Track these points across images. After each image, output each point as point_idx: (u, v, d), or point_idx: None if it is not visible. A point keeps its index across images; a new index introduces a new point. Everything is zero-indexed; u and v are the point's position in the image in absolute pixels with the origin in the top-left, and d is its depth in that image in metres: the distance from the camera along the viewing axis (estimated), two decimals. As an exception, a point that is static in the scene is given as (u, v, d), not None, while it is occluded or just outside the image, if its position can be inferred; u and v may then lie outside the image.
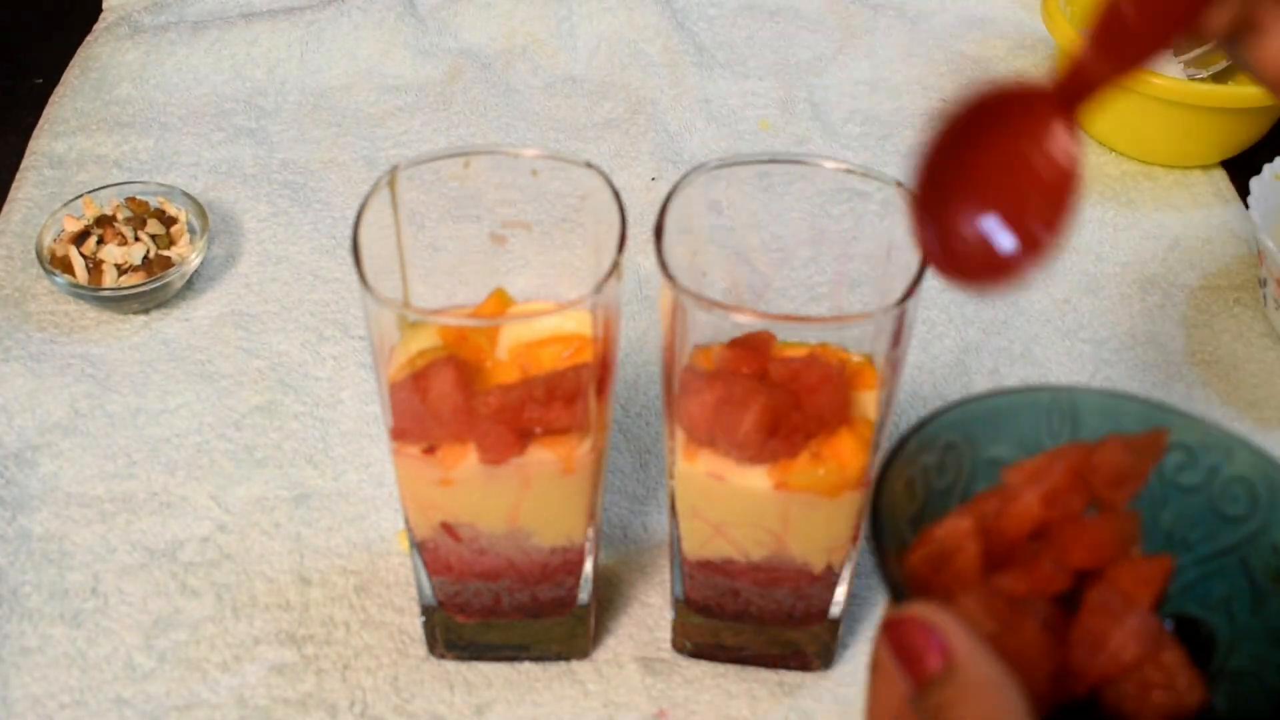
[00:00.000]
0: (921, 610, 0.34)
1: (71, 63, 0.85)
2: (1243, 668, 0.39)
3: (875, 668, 0.36)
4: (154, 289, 0.67)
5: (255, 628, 0.55)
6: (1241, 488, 0.40)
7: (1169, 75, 0.77)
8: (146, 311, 0.69)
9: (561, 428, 0.45)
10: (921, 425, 0.38)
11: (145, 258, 0.67)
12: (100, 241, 0.68)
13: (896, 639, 0.33)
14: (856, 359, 0.47)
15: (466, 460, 0.45)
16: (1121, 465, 0.39)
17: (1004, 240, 0.36)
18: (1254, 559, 0.39)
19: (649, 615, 0.56)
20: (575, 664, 0.54)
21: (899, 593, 0.36)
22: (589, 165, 0.46)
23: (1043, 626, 0.37)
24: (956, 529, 0.37)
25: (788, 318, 0.44)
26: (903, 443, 0.38)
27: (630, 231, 0.44)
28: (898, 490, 0.38)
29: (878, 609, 0.56)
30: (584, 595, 0.52)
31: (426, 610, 0.52)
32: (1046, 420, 0.41)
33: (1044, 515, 0.38)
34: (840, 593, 0.50)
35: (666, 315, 0.44)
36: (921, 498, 0.39)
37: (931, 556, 0.37)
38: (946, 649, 0.33)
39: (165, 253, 0.68)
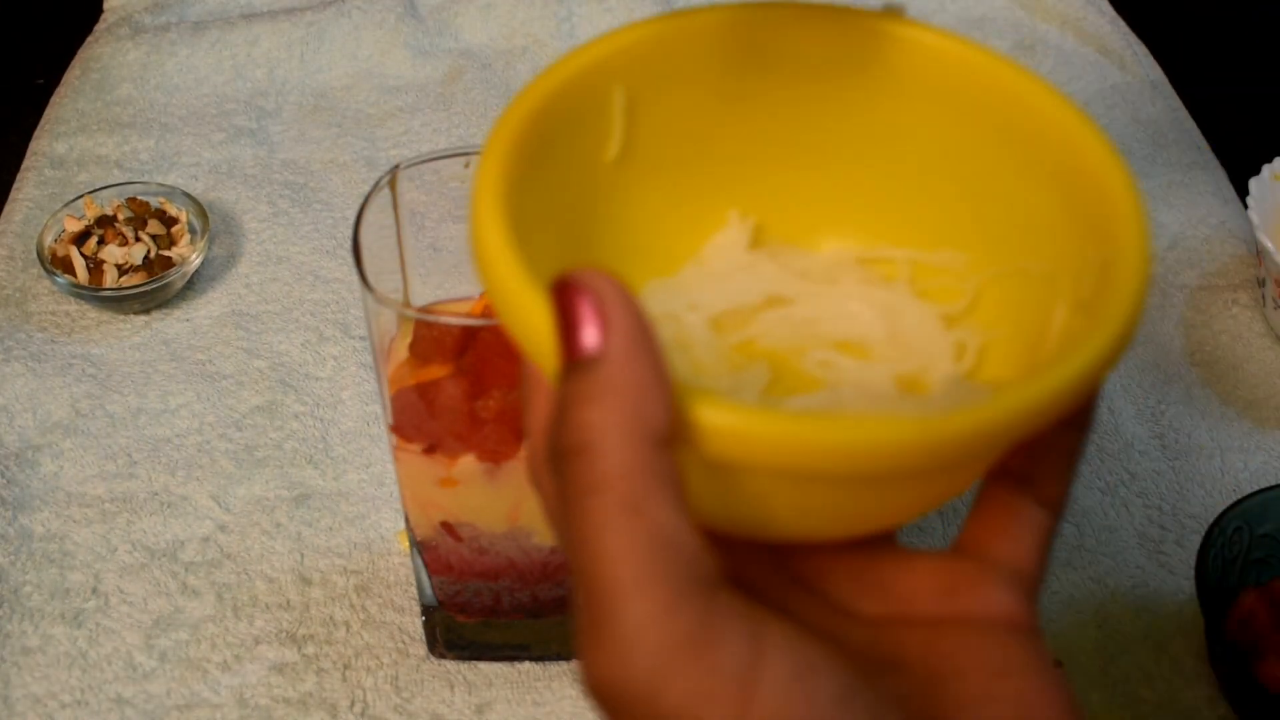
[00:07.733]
0: (591, 276, 0.26)
1: (72, 63, 0.85)
2: None
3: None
4: (155, 289, 0.67)
5: (256, 627, 0.55)
6: None
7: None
8: (147, 311, 0.69)
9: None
10: (1222, 515, 0.54)
11: (146, 258, 0.67)
12: (101, 242, 0.68)
13: (558, 303, 0.26)
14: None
15: (467, 459, 0.45)
16: None
17: None
18: None
19: (649, 615, 0.56)
20: (575, 664, 0.54)
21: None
22: (589, 165, 0.46)
23: None
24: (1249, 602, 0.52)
25: (787, 318, 0.44)
26: (1218, 528, 0.53)
27: (630, 232, 0.44)
28: (1207, 561, 0.52)
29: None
30: (584, 595, 0.52)
31: (427, 610, 0.53)
32: None
33: None
34: (840, 592, 0.50)
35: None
36: (1220, 566, 0.53)
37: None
38: (602, 331, 0.26)
39: (166, 253, 0.68)
